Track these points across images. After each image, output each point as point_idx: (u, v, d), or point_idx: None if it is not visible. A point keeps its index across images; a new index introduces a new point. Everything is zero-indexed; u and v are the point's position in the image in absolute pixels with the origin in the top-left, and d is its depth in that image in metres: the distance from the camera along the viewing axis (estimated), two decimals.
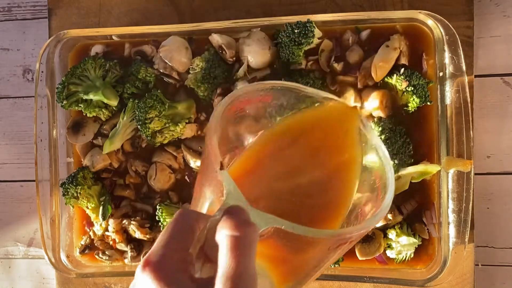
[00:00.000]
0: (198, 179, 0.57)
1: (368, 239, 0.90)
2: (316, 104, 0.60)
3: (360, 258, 0.91)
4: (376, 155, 0.54)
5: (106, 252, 0.99)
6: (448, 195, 0.87)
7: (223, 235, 0.42)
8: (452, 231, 0.87)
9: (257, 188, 0.54)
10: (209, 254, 0.45)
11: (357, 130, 0.57)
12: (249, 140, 0.60)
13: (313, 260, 0.51)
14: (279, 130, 0.59)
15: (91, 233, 1.01)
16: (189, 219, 0.45)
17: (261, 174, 0.55)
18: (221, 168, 0.46)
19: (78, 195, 0.96)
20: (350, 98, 0.90)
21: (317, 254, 0.50)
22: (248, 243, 0.42)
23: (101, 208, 0.98)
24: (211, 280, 0.42)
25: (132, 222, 0.97)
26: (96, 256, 1.00)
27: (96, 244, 1.01)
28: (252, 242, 0.43)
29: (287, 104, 0.61)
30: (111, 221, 0.98)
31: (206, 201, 0.50)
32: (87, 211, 0.99)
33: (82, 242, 1.01)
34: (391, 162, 0.53)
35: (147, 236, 0.97)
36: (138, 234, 0.97)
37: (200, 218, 0.46)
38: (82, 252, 1.00)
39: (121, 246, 0.99)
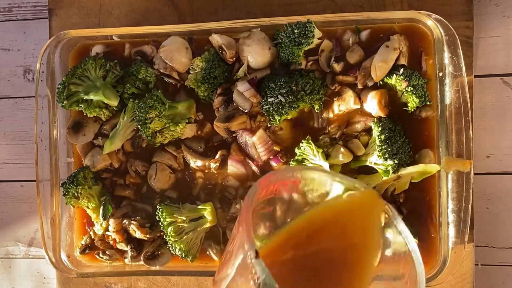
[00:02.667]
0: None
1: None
2: (346, 194, 0.62)
3: None
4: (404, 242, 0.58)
5: (107, 252, 1.00)
6: (447, 195, 0.87)
7: None
8: (451, 231, 0.87)
9: (284, 268, 0.55)
10: None
11: (379, 217, 0.60)
12: (281, 221, 0.62)
13: None
14: (311, 216, 0.60)
15: (91, 233, 1.01)
16: None
17: (289, 252, 0.56)
18: (257, 256, 0.45)
19: (79, 195, 0.96)
20: (349, 99, 0.91)
21: None
22: None
23: (101, 208, 0.98)
24: None
25: (132, 222, 0.98)
26: (97, 256, 1.00)
27: (96, 244, 1.01)
28: None
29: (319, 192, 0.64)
30: (111, 221, 0.98)
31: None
32: (88, 211, 0.99)
33: (83, 242, 1.01)
34: (420, 258, 0.57)
35: (147, 236, 0.97)
36: (138, 234, 0.97)
37: None
38: (83, 252, 1.00)
39: (121, 246, 0.99)
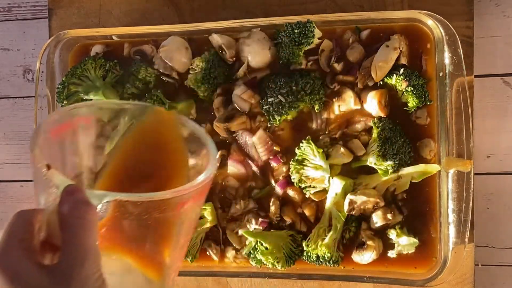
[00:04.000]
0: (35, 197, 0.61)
1: (361, 247, 0.90)
2: (140, 118, 0.68)
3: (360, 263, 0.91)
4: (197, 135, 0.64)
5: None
6: (448, 195, 0.87)
7: (63, 216, 0.46)
8: (452, 231, 0.87)
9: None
10: (54, 242, 0.48)
11: (177, 125, 0.66)
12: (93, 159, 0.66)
13: (170, 228, 0.55)
14: (123, 148, 0.65)
15: None
16: (25, 215, 0.48)
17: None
18: (48, 168, 0.48)
19: None
20: (349, 100, 0.91)
21: (171, 220, 0.54)
22: (87, 221, 0.46)
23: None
24: (59, 265, 0.45)
25: None
26: None
27: None
28: (90, 220, 0.47)
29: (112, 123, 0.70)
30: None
31: (41, 202, 0.53)
32: None
33: None
34: (206, 134, 0.64)
35: None
36: None
37: (36, 212, 0.49)
38: None
39: None
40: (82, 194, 0.47)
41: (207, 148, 0.63)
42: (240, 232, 0.95)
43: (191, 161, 0.64)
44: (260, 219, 0.94)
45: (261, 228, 0.94)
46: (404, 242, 0.89)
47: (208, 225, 0.95)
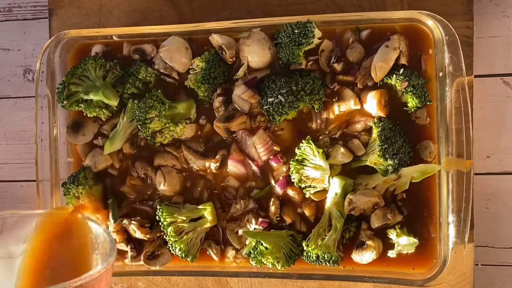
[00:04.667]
0: None
1: (361, 247, 0.90)
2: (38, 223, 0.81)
3: (360, 263, 0.91)
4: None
5: None
6: (448, 195, 0.87)
7: None
8: (452, 231, 0.87)
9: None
10: None
11: (80, 230, 0.81)
12: None
13: None
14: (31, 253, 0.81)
15: None
16: None
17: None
18: None
19: (80, 195, 0.96)
20: (349, 100, 0.91)
21: None
22: None
23: (110, 210, 0.98)
24: None
25: (132, 222, 0.98)
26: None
27: None
28: None
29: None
30: (110, 219, 0.98)
31: None
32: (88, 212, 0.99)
33: None
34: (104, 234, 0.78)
35: (147, 236, 0.97)
36: (138, 234, 0.97)
37: None
38: None
39: (122, 246, 0.99)
40: None
41: (107, 240, 0.76)
42: (240, 232, 0.95)
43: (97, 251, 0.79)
44: (260, 219, 0.94)
45: (261, 228, 0.94)
46: (404, 242, 0.89)
47: (208, 225, 0.95)
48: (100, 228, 0.79)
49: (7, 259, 0.82)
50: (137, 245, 0.99)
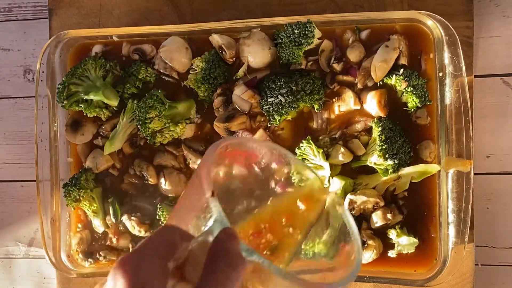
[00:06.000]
0: (181, 203, 0.59)
1: (361, 246, 0.90)
2: (301, 184, 0.70)
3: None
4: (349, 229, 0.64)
5: (100, 253, 0.99)
6: (448, 195, 0.87)
7: (214, 263, 0.43)
8: (452, 231, 0.87)
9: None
10: (186, 274, 0.45)
11: (322, 202, 0.69)
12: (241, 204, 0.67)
13: None
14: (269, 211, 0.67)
15: (83, 235, 1.01)
16: (173, 234, 0.45)
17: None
18: (213, 195, 0.46)
19: (81, 198, 0.96)
20: (349, 100, 0.91)
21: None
22: (236, 274, 0.43)
23: (111, 209, 0.98)
24: None
25: (132, 218, 0.97)
26: (98, 257, 1.00)
27: (95, 246, 1.01)
28: (239, 274, 0.44)
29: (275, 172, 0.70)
30: (111, 220, 0.98)
31: (188, 225, 0.51)
32: (88, 213, 0.99)
33: (78, 249, 1.01)
34: (358, 238, 0.61)
35: (147, 233, 0.97)
36: (137, 231, 0.97)
37: (185, 236, 0.46)
38: (85, 258, 1.00)
39: (123, 244, 0.99)
40: (238, 245, 0.45)
41: (353, 247, 0.60)
42: None
43: (328, 250, 0.66)
44: None
45: None
46: (404, 242, 0.89)
47: None
48: (354, 226, 0.65)
49: None
50: (138, 244, 0.99)
